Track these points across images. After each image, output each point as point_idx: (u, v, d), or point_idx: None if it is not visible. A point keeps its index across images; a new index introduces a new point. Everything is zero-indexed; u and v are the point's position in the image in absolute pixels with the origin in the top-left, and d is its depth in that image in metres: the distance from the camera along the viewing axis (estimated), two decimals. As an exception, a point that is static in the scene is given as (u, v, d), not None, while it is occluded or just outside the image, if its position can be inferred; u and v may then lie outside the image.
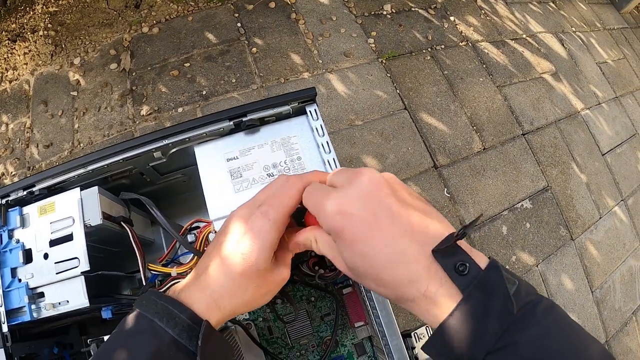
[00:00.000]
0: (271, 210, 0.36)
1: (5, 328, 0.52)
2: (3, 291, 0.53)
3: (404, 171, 1.77)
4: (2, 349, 0.52)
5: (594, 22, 2.98)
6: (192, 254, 0.54)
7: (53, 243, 0.55)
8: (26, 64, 1.87)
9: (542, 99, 2.25)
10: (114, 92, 1.76)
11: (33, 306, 0.53)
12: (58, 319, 0.56)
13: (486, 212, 1.80)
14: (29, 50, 1.89)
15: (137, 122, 1.70)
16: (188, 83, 1.78)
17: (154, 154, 0.60)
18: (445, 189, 1.78)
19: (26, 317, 0.53)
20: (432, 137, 1.88)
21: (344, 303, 0.75)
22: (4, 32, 1.93)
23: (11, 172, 1.64)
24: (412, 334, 0.61)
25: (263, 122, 0.59)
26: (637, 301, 2.00)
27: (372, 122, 1.84)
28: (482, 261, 0.30)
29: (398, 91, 1.94)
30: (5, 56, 1.89)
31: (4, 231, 0.56)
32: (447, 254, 0.30)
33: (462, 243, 0.31)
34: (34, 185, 0.59)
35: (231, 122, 0.57)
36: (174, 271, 0.53)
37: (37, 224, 0.56)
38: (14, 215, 0.57)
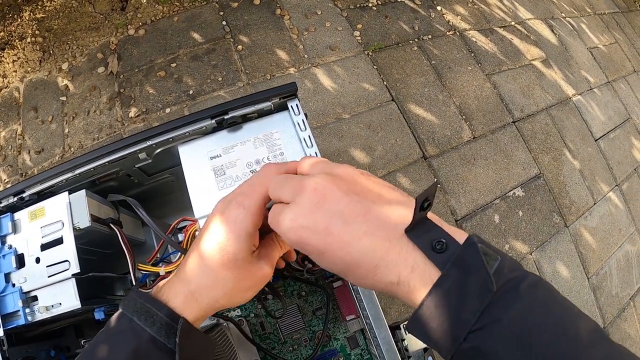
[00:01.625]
0: (246, 200, 0.37)
1: (0, 332, 0.53)
2: (-3, 297, 0.54)
3: (392, 163, 1.76)
4: (-1, 353, 0.53)
5: (584, 7, 2.96)
6: (179, 253, 0.55)
7: (44, 247, 0.55)
8: (15, 71, 1.86)
9: (533, 86, 2.24)
10: (102, 96, 1.76)
11: (27, 310, 0.54)
12: (52, 321, 0.57)
13: (478, 201, 1.80)
14: (18, 58, 1.88)
15: (126, 125, 1.70)
16: (175, 83, 1.78)
17: (139, 155, 0.60)
18: (435, 180, 1.78)
19: (21, 321, 0.53)
20: (420, 127, 1.88)
21: (335, 297, 0.75)
22: (-9, 40, 1.92)
23: (4, 180, 1.64)
24: (402, 325, 0.62)
25: (245, 119, 0.60)
26: (634, 287, 1.99)
27: (359, 115, 1.83)
28: (461, 238, 0.29)
29: (385, 83, 1.94)
30: (-6, 64, 1.89)
31: (-4, 238, 0.56)
32: (421, 233, 0.29)
33: (440, 221, 0.31)
34: (24, 191, 0.59)
35: (213, 121, 0.58)
36: (162, 270, 0.54)
37: (28, 229, 0.57)
38: (5, 222, 0.57)
